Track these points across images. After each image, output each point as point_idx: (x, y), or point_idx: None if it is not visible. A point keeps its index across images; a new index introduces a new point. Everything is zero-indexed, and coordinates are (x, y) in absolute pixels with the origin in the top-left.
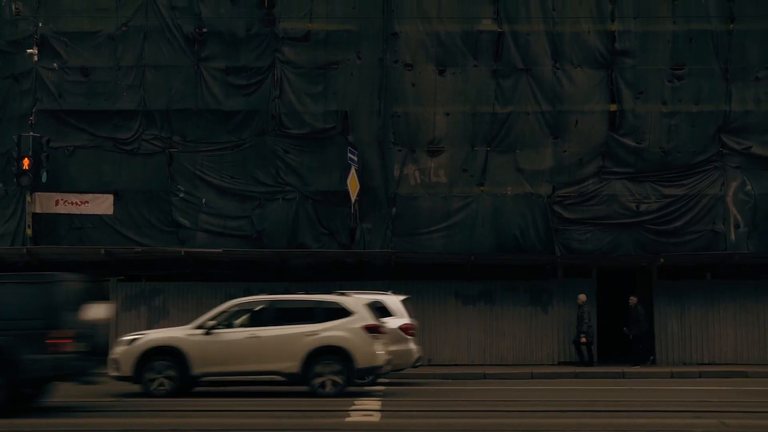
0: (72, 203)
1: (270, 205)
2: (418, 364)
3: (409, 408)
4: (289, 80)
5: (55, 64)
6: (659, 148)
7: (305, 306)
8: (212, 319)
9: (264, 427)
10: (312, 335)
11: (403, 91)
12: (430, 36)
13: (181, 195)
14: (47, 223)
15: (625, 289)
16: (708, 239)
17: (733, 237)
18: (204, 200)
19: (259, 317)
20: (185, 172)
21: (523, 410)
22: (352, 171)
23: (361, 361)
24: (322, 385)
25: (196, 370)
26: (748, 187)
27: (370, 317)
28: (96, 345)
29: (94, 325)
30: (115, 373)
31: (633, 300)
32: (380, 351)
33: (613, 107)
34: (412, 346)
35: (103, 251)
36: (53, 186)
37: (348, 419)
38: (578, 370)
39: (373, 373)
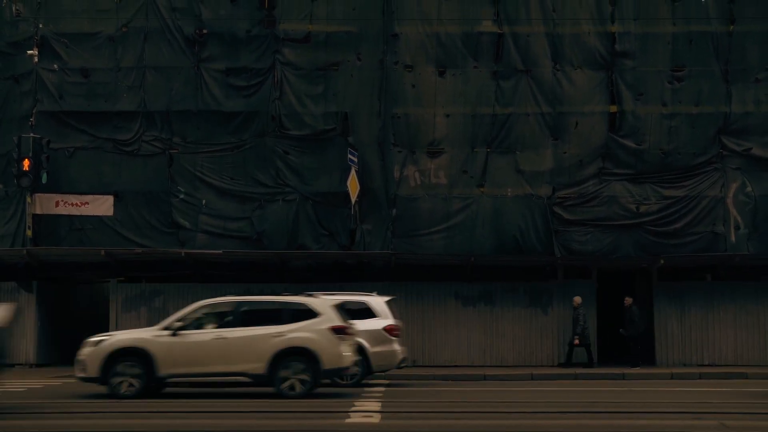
0: (72, 204)
1: (270, 207)
2: (402, 365)
3: (409, 409)
4: (289, 81)
5: (55, 66)
6: (659, 149)
7: (272, 307)
8: (179, 320)
9: (264, 428)
10: (278, 336)
11: (403, 92)
12: (430, 37)
13: (182, 196)
14: (47, 224)
15: (625, 291)
16: (708, 241)
17: (733, 238)
18: (204, 201)
19: (226, 318)
20: (185, 173)
21: (523, 411)
22: (352, 172)
23: (328, 363)
24: (291, 386)
25: (163, 371)
26: (749, 189)
27: (337, 318)
28: None
29: None
30: (81, 375)
31: (628, 301)
32: (347, 352)
33: (613, 108)
34: (397, 347)
35: (103, 252)
36: (53, 187)
37: (348, 420)
38: (573, 371)
39: (339, 375)
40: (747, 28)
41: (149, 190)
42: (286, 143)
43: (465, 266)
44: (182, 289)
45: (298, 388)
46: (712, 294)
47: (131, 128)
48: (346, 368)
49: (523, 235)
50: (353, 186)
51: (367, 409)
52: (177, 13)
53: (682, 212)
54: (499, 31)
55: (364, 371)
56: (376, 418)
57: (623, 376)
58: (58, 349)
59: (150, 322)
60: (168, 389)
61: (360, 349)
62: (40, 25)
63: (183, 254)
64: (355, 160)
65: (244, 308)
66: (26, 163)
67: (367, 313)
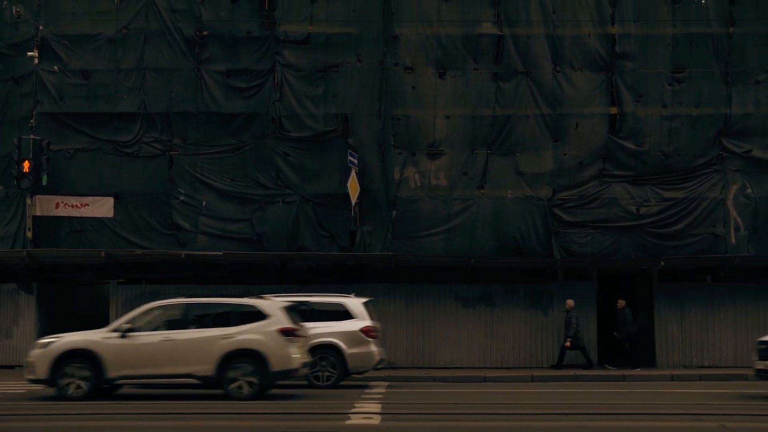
0: (72, 206)
1: (270, 208)
2: (380, 366)
3: (409, 411)
4: (289, 83)
5: (55, 67)
6: (659, 151)
7: (222, 309)
8: (128, 322)
9: (264, 429)
10: (227, 338)
11: (404, 93)
12: (431, 39)
13: (182, 198)
14: (47, 226)
15: (625, 293)
16: (708, 242)
17: (733, 240)
18: (204, 203)
19: (175, 320)
20: (185, 174)
21: (524, 413)
22: (353, 174)
23: (276, 364)
24: (239, 388)
25: (112, 373)
26: (749, 191)
27: (287, 320)
28: None
29: None
30: (30, 376)
31: (621, 303)
32: (296, 354)
33: (614, 110)
34: (374, 348)
35: (103, 254)
36: (53, 189)
37: (348, 422)
38: (574, 373)
39: (288, 377)
40: (747, 30)
41: (149, 191)
42: (286, 145)
43: (465, 268)
44: (182, 290)
45: (246, 389)
46: (712, 295)
47: (131, 130)
48: (295, 370)
49: (524, 237)
50: (353, 187)
51: (367, 410)
52: (177, 15)
53: (682, 214)
54: (500, 33)
55: (341, 373)
56: (376, 420)
57: (623, 378)
58: None
59: None
60: (120, 390)
61: (336, 351)
62: (41, 27)
63: (183, 256)
64: (355, 161)
65: (194, 310)
66: (26, 164)
67: (344, 314)
